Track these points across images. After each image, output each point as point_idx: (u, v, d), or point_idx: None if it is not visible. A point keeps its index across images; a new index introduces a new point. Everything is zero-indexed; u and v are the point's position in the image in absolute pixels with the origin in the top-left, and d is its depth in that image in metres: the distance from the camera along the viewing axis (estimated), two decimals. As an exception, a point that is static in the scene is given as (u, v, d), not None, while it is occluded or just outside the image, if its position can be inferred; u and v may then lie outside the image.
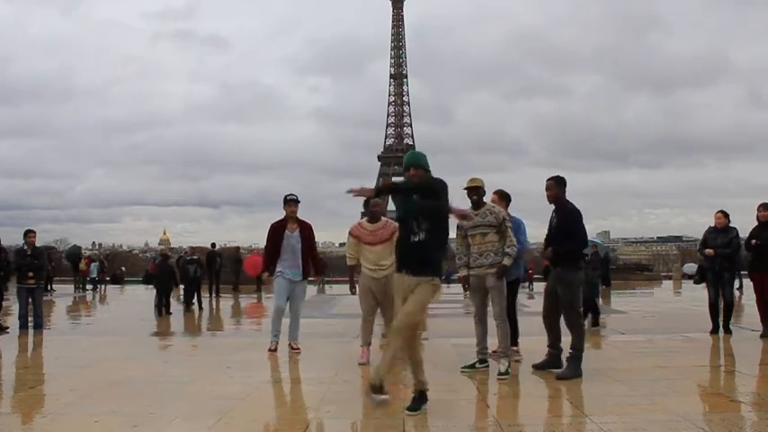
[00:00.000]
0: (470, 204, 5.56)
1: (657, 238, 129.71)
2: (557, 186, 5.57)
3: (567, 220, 5.53)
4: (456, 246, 5.71)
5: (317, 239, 7.61)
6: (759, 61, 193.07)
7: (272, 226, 6.91)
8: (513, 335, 6.25)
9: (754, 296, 7.86)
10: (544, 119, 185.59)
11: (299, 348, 6.79)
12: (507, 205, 6.16)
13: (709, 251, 7.84)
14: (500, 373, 5.28)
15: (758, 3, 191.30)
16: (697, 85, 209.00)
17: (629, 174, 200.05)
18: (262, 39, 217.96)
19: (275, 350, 6.69)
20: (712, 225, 7.94)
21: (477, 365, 5.62)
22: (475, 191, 5.54)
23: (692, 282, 11.90)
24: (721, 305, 7.89)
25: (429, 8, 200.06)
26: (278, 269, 6.80)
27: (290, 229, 6.85)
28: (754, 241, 7.56)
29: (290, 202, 6.89)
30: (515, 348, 6.13)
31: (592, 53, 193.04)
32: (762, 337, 7.38)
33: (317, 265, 7.10)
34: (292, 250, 6.79)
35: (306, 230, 6.91)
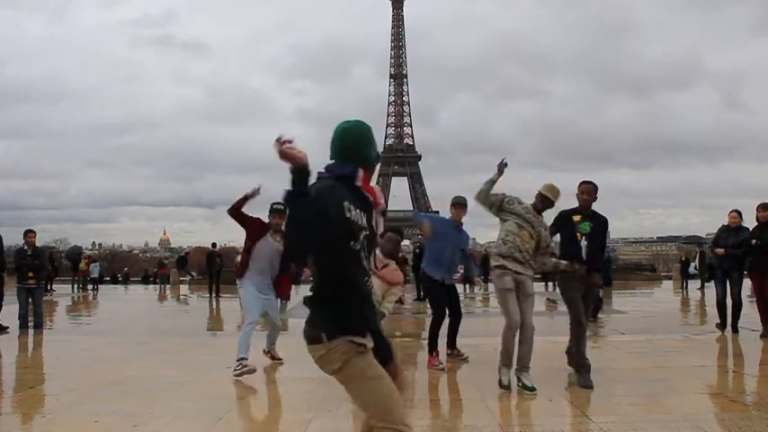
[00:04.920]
0: (540, 208, 5.10)
1: (657, 238, 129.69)
2: (596, 191, 5.13)
3: (604, 233, 5.24)
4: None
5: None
6: (734, 65, 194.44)
7: (259, 221, 5.83)
8: (452, 334, 6.24)
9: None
10: (529, 121, 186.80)
11: (281, 358, 6.13)
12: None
13: (719, 250, 7.92)
14: (525, 387, 4.84)
15: (729, 6, 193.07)
16: (674, 89, 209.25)
17: (619, 174, 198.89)
18: (249, 43, 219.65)
19: (241, 374, 5.36)
20: (725, 224, 8.01)
21: None
22: (549, 203, 5.09)
23: (692, 281, 11.97)
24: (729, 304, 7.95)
25: (416, 12, 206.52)
26: (247, 275, 5.75)
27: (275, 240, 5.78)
28: (754, 241, 7.58)
29: (276, 212, 5.70)
30: (456, 349, 6.21)
31: (572, 57, 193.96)
32: (762, 337, 7.39)
33: (284, 285, 6.07)
34: (271, 261, 5.75)
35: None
